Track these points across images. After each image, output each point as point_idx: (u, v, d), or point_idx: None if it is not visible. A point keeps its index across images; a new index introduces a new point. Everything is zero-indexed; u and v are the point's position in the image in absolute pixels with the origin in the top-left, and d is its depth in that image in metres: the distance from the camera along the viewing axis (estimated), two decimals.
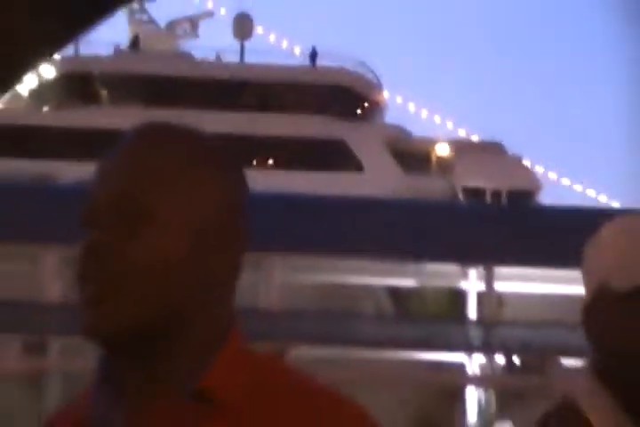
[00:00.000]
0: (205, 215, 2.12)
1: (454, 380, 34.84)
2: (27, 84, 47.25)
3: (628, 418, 2.61)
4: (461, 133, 52.89)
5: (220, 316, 2.15)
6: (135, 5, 48.89)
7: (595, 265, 2.72)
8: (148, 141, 2.16)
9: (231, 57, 51.25)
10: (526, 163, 50.89)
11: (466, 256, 34.69)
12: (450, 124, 53.97)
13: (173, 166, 2.12)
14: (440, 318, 36.08)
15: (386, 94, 52.03)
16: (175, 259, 2.07)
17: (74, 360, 32.57)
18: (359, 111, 49.42)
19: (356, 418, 2.12)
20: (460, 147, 50.29)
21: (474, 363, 35.43)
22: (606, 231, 2.74)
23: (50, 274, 34.29)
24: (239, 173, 2.23)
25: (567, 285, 34.91)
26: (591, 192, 54.82)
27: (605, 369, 2.67)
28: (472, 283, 35.93)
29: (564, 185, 54.81)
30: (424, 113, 55.34)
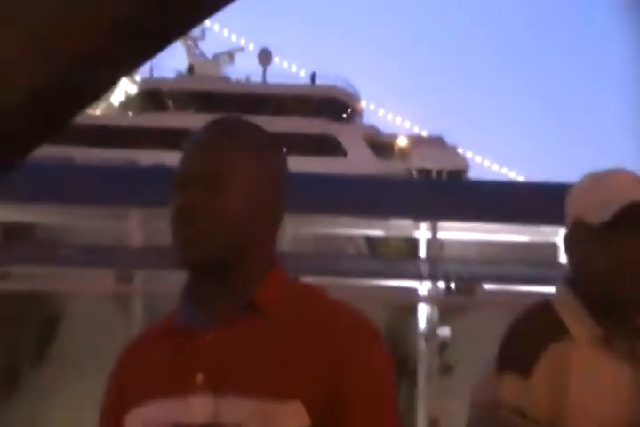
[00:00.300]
0: (261, 184, 2.09)
1: (410, 300, 34.67)
2: (116, 96, 47.16)
3: (593, 320, 2.38)
4: (416, 130, 52.63)
5: (267, 252, 2.11)
6: (190, 42, 48.92)
7: (571, 206, 2.47)
8: (223, 129, 2.16)
9: (256, 78, 51.01)
10: (460, 150, 50.82)
11: (418, 214, 34.67)
12: (407, 124, 53.65)
13: (241, 148, 2.10)
14: (400, 256, 36.10)
15: (363, 103, 51.82)
16: (240, 213, 2.04)
17: (150, 286, 32.36)
18: (345, 115, 49.17)
19: (358, 320, 2.08)
20: (415, 140, 50.22)
21: (423, 288, 35.40)
22: (580, 181, 2.50)
23: (133, 227, 33.91)
24: (281, 154, 2.21)
25: (488, 233, 35.12)
26: (504, 170, 54.58)
27: (579, 283, 2.45)
28: (422, 233, 35.86)
29: (485, 166, 54.57)
30: (390, 116, 54.96)
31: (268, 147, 2.16)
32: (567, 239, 2.47)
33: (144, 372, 2.08)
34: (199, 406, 1.96)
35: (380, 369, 2.04)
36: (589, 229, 2.37)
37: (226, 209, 2.04)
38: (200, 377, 1.98)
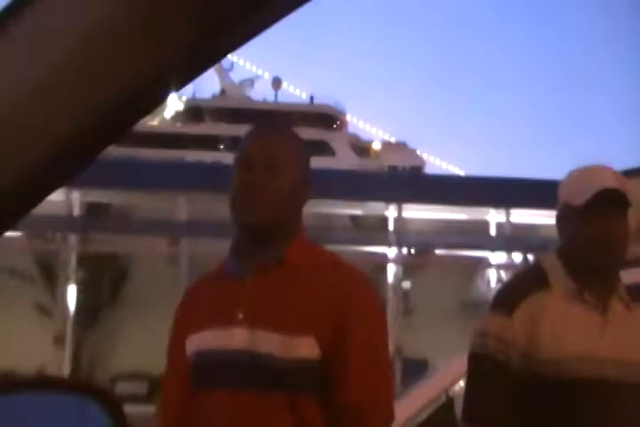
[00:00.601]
0: (300, 172, 2.08)
1: (382, 261, 34.82)
2: (168, 111, 47.24)
3: (571, 279, 2.30)
4: (386, 137, 52.63)
5: (297, 223, 2.10)
6: (222, 72, 49.14)
7: (561, 192, 2.36)
8: (277, 130, 2.17)
9: (270, 98, 51.08)
10: (418, 152, 51.00)
11: (388, 199, 34.74)
12: (380, 132, 53.58)
13: (289, 145, 2.10)
14: (374, 229, 36.16)
15: (348, 117, 51.85)
16: (285, 191, 2.03)
17: (193, 249, 32.49)
18: (334, 126, 49.17)
19: (359, 276, 2.08)
20: (385, 144, 50.40)
21: (391, 252, 35.49)
22: (568, 173, 2.39)
23: (180, 206, 33.94)
24: (308, 150, 2.20)
25: (438, 212, 35.22)
26: (450, 166, 54.56)
27: (566, 253, 2.34)
28: (391, 212, 35.92)
29: (436, 163, 54.61)
30: (367, 126, 54.86)
31: (303, 146, 2.15)
32: (558, 218, 2.38)
33: (200, 308, 2.07)
34: (239, 336, 1.95)
35: (373, 312, 2.02)
36: (574, 209, 2.30)
37: (277, 188, 2.02)
38: (240, 314, 1.96)
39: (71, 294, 33.60)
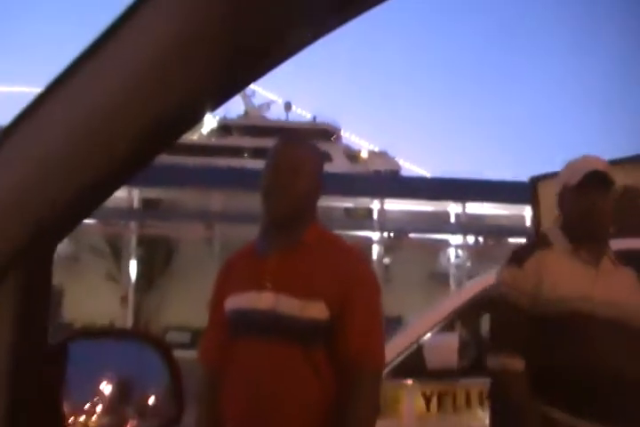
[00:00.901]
0: (316, 175, 2.04)
1: (368, 243, 34.75)
2: (204, 128, 47.09)
3: (571, 245, 2.26)
4: (371, 147, 52.39)
5: (313, 213, 2.06)
6: (246, 98, 48.90)
7: (560, 176, 2.33)
8: (299, 142, 2.11)
9: (282, 118, 50.85)
10: (396, 159, 50.81)
11: (373, 195, 34.65)
12: (366, 144, 53.46)
13: (308, 153, 2.05)
14: (363, 218, 36.07)
15: (342, 132, 51.62)
16: (304, 190, 1.99)
17: (224, 232, 32.51)
18: (332, 139, 48.94)
19: (359, 255, 2.06)
20: (371, 153, 50.21)
21: (375, 236, 35.45)
22: (567, 162, 2.35)
23: (215, 200, 33.95)
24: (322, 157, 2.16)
25: (411, 205, 35.14)
26: (420, 169, 54.40)
27: (565, 224, 2.30)
28: (375, 205, 35.85)
29: (410, 167, 54.48)
30: (357, 139, 54.65)
31: (318, 155, 2.10)
32: (559, 196, 2.32)
33: (236, 276, 2.04)
34: (266, 298, 1.92)
35: (371, 283, 1.99)
36: (570, 188, 2.26)
37: (298, 187, 1.98)
38: (267, 282, 1.94)
39: (132, 266, 33.81)
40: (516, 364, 2.15)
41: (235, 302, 1.99)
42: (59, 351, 0.88)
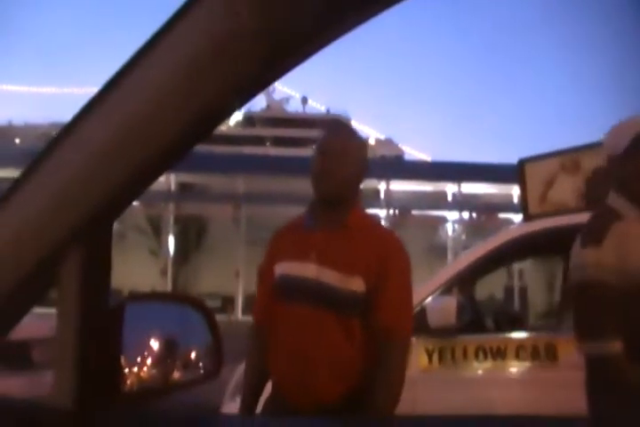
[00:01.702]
0: (361, 159, 1.99)
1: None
2: (232, 120, 46.82)
3: (634, 206, 1.94)
4: (378, 135, 52.03)
5: (356, 196, 2.00)
6: (268, 93, 48.48)
7: (608, 142, 2.00)
8: (345, 128, 2.05)
9: (300, 111, 50.46)
10: (399, 145, 50.42)
11: (380, 177, 34.43)
12: (374, 132, 53.01)
13: (354, 139, 2.00)
14: (371, 198, 35.86)
15: (353, 122, 51.23)
16: (349, 174, 1.94)
17: (250, 212, 32.43)
18: None
19: (394, 237, 2.00)
20: (377, 140, 49.84)
21: (382, 213, 35.23)
22: (610, 129, 2.05)
23: (239, 183, 33.85)
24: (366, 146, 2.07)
25: (412, 185, 34.86)
26: (421, 154, 53.93)
27: (624, 188, 1.98)
28: (382, 185, 35.62)
29: (412, 153, 53.98)
30: (365, 128, 54.28)
31: (362, 143, 2.03)
32: (609, 166, 2.02)
33: (285, 246, 2.01)
34: (310, 268, 1.90)
35: (403, 260, 1.95)
36: (616, 157, 1.98)
37: (344, 171, 1.93)
38: (312, 254, 1.91)
39: (171, 242, 34.01)
40: (617, 346, 1.86)
41: (283, 268, 1.97)
42: (117, 312, 0.90)
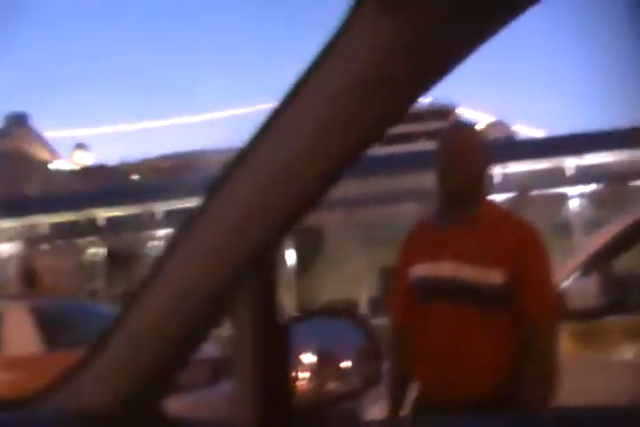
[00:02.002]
0: (484, 156, 2.01)
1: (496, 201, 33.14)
2: None
3: None
4: (488, 118, 49.96)
5: (484, 190, 2.02)
6: None
7: None
8: (470, 129, 2.11)
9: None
10: (510, 126, 48.42)
11: (495, 160, 33.22)
12: (483, 115, 50.41)
13: (474, 136, 2.05)
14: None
15: (459, 109, 49.68)
16: (476, 170, 1.97)
17: (361, 215, 32.33)
18: (449, 117, 47.31)
19: (532, 228, 2.00)
20: (488, 124, 47.75)
21: (499, 197, 34.01)
22: None
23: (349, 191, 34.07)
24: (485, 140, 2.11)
25: (532, 165, 33.47)
26: (537, 132, 51.34)
27: None
28: (497, 169, 34.22)
29: (524, 131, 51.56)
30: (473, 113, 52.26)
31: (479, 131, 2.11)
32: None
33: (419, 247, 2.03)
34: (447, 267, 1.93)
35: (542, 250, 1.94)
36: None
37: (471, 167, 1.97)
38: (447, 252, 1.93)
39: (291, 255, 34.88)
40: None
41: (420, 270, 1.98)
42: (285, 330, 0.98)
